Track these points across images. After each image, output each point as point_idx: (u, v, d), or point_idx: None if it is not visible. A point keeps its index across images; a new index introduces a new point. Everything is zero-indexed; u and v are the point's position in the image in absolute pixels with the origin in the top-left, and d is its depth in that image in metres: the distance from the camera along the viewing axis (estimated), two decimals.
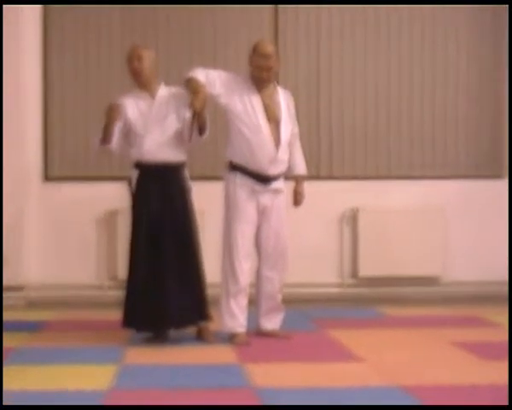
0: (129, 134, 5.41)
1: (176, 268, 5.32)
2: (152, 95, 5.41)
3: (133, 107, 5.39)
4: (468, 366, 4.71)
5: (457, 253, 7.64)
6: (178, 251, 5.34)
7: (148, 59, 5.40)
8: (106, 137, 5.29)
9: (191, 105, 5.18)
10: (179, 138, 5.39)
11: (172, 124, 5.37)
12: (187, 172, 5.52)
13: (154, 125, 5.34)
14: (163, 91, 5.43)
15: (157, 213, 5.33)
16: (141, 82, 5.41)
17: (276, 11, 7.61)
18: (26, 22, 7.38)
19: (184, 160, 5.48)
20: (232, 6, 7.55)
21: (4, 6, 7.13)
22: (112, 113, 5.24)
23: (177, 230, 5.36)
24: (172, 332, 5.43)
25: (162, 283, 5.28)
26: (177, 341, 5.37)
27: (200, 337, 5.45)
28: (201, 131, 5.34)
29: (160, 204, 5.33)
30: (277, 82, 5.66)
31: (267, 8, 7.60)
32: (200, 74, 5.33)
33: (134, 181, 5.40)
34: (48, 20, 7.47)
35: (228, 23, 7.60)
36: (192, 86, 5.24)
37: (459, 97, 7.78)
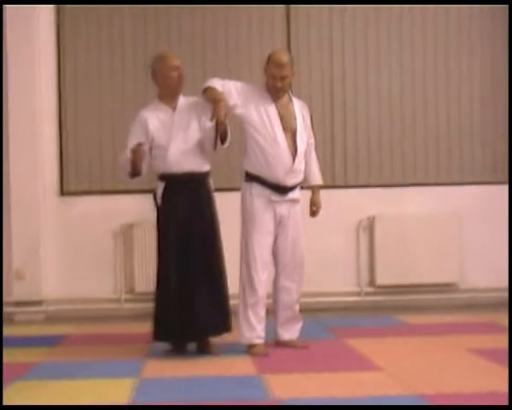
0: (152, 147, 5.37)
1: (204, 279, 5.30)
2: (172, 106, 5.39)
3: (154, 119, 5.36)
4: (486, 373, 4.68)
5: (474, 259, 7.62)
6: (207, 262, 5.33)
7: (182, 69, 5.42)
8: (136, 172, 5.30)
9: (214, 114, 5.19)
10: (202, 148, 5.39)
11: (195, 133, 5.37)
12: (211, 182, 5.50)
13: (177, 135, 5.32)
14: (182, 101, 5.43)
15: (185, 225, 5.30)
16: (175, 93, 5.39)
17: (288, 19, 7.63)
18: (40, 31, 7.45)
19: (208, 169, 5.47)
20: (244, 12, 7.58)
21: (17, 19, 7.21)
22: (137, 155, 5.20)
23: (205, 241, 5.35)
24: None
25: (193, 294, 5.25)
26: (195, 353, 5.37)
27: (204, 350, 5.40)
28: (223, 139, 5.34)
29: (188, 215, 5.31)
30: (292, 92, 5.66)
31: (279, 16, 7.63)
32: (217, 84, 5.34)
33: (160, 193, 5.37)
34: (61, 29, 7.54)
35: (240, 31, 7.64)
36: (212, 95, 5.24)
37: (474, 103, 7.77)
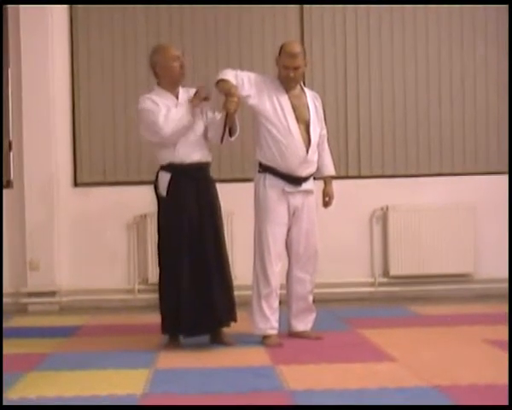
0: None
1: (217, 269, 5.27)
2: (176, 95, 5.37)
3: (163, 105, 5.27)
4: (501, 365, 4.65)
5: (489, 249, 7.59)
6: (217, 251, 5.31)
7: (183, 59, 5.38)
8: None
9: (225, 107, 5.17)
10: (206, 138, 5.38)
11: (200, 124, 5.34)
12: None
13: None
14: (182, 92, 5.39)
15: (196, 215, 5.25)
16: (177, 83, 5.35)
17: (302, 11, 7.60)
18: (54, 25, 7.46)
19: (211, 160, 5.45)
20: (258, 6, 7.56)
21: (31, 17, 7.25)
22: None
23: (215, 231, 5.32)
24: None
25: (208, 284, 5.21)
26: (208, 344, 5.37)
27: (218, 341, 5.38)
28: (231, 132, 5.33)
29: (197, 205, 5.26)
30: (304, 83, 5.63)
31: (293, 8, 7.59)
32: (230, 75, 5.31)
33: (164, 184, 5.29)
34: (74, 22, 7.55)
35: (253, 24, 7.61)
36: (225, 88, 5.21)
37: (489, 93, 7.73)
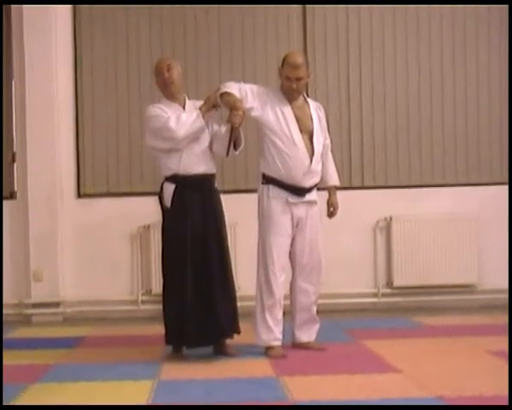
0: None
1: (220, 280, 5.27)
2: (181, 104, 5.40)
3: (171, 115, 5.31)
4: (506, 376, 4.63)
5: (492, 260, 7.59)
6: (221, 263, 5.31)
7: (177, 69, 5.39)
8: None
9: (229, 121, 5.19)
10: (211, 150, 5.39)
11: (206, 135, 5.36)
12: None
13: None
14: (189, 104, 5.42)
15: (201, 226, 5.25)
16: (171, 92, 5.37)
17: (305, 21, 7.63)
18: (58, 44, 7.50)
19: (215, 171, 5.46)
20: (260, 13, 7.60)
21: (35, 30, 7.31)
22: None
23: (220, 242, 5.32)
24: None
25: (212, 296, 5.20)
26: (212, 355, 5.37)
27: (221, 352, 5.38)
28: (236, 145, 5.36)
29: (202, 216, 5.26)
30: (307, 93, 5.64)
31: (295, 17, 7.62)
32: (234, 89, 5.32)
33: (169, 195, 5.29)
34: (78, 39, 7.58)
35: (256, 32, 7.65)
36: (230, 102, 5.23)
37: (492, 103, 7.73)
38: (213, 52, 7.60)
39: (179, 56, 7.33)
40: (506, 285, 7.44)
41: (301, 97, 5.52)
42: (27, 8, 7.32)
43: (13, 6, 7.39)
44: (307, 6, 7.62)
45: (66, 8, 7.51)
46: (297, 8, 7.64)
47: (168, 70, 5.34)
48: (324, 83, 7.63)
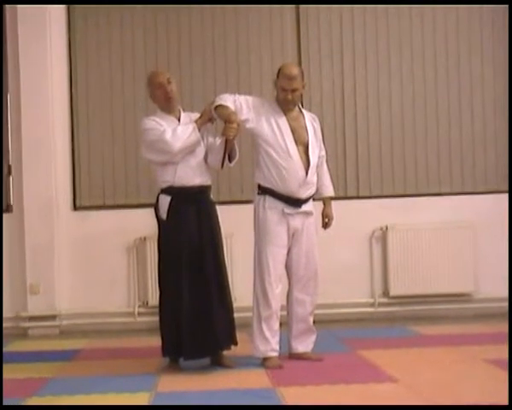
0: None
1: (217, 291, 5.27)
2: (176, 116, 5.41)
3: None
4: (503, 384, 4.64)
5: (489, 269, 7.59)
6: (218, 274, 5.31)
7: (174, 82, 5.41)
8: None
9: (224, 133, 5.21)
10: (206, 162, 5.40)
11: (201, 148, 5.36)
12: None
13: None
14: (184, 117, 5.43)
15: (197, 238, 5.25)
16: (172, 106, 5.38)
17: (299, 32, 7.67)
18: (53, 54, 7.49)
19: (211, 183, 5.47)
20: (254, 23, 7.64)
21: (30, 38, 7.30)
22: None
23: (216, 254, 5.32)
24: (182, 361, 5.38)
25: (209, 308, 5.20)
26: (209, 367, 5.37)
27: (218, 363, 5.37)
28: (231, 157, 5.37)
29: (198, 228, 5.26)
30: (302, 104, 5.65)
31: (289, 27, 7.64)
32: (229, 101, 5.34)
33: (165, 207, 5.28)
34: (73, 51, 7.60)
35: (251, 43, 7.67)
36: (225, 114, 5.25)
37: (486, 111, 7.76)
38: (208, 63, 7.62)
39: (174, 67, 7.37)
40: (502, 294, 7.45)
41: (296, 108, 5.53)
42: (21, 24, 7.34)
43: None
44: (301, 19, 7.65)
45: (60, 15, 7.52)
46: (291, 20, 7.66)
47: (169, 83, 5.35)
48: (319, 93, 7.65)
